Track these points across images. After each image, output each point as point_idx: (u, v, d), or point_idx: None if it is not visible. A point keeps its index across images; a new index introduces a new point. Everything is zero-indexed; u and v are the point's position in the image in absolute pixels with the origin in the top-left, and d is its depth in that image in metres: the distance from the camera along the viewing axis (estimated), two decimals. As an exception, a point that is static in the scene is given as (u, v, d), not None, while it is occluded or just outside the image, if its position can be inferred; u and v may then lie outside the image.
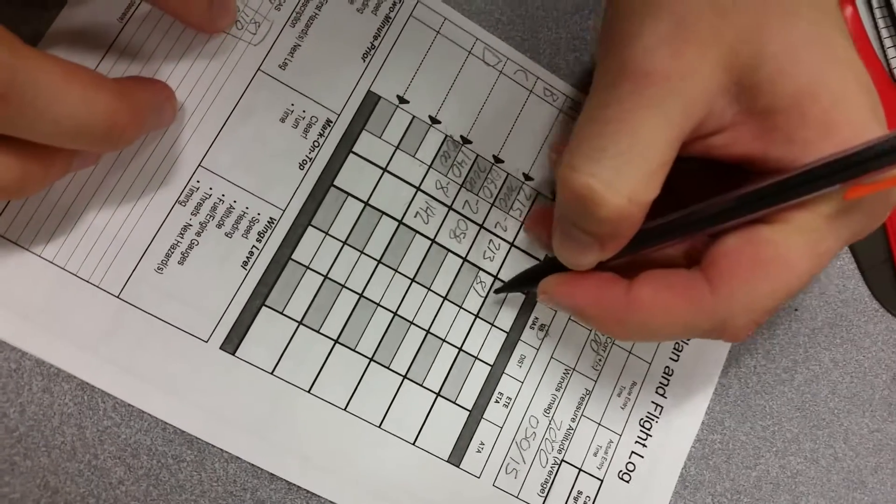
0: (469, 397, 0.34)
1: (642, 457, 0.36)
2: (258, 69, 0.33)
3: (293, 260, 0.32)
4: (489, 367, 0.34)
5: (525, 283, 0.33)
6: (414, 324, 0.33)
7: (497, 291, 0.34)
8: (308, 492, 0.32)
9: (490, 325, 0.34)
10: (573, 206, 0.25)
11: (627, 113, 0.24)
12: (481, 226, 0.35)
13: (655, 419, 0.36)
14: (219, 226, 0.32)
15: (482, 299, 0.34)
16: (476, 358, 0.34)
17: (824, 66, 0.24)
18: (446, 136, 0.35)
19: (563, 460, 0.35)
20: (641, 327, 0.27)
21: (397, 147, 0.34)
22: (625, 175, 0.24)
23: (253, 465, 0.31)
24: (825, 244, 0.25)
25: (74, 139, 0.24)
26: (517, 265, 0.35)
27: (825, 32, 0.24)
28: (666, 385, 0.36)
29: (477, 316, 0.34)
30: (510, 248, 0.35)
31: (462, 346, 0.34)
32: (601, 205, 0.24)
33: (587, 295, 0.28)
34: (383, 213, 0.34)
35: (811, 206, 0.24)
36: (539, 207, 0.35)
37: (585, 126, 0.25)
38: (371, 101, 0.34)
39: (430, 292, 0.34)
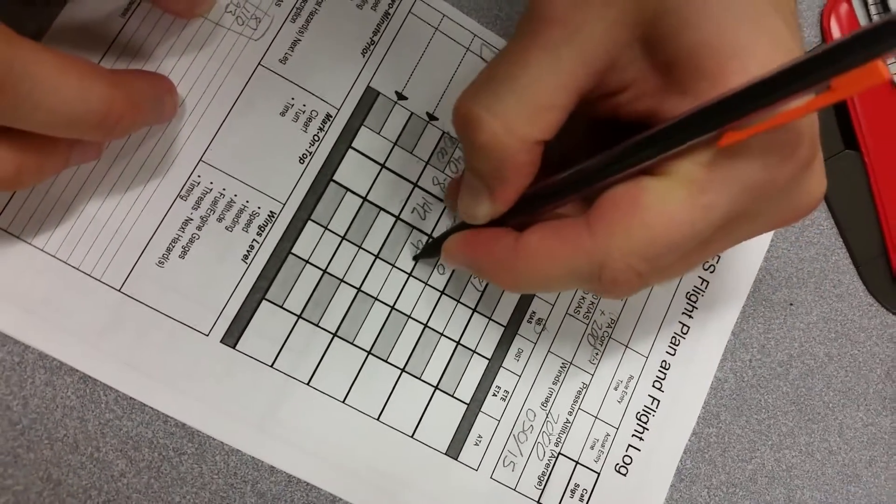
0: (467, 390, 0.34)
1: (639, 450, 0.36)
2: (259, 64, 0.33)
3: (293, 254, 0.33)
4: (487, 361, 0.34)
5: (438, 249, 0.33)
6: (412, 318, 0.34)
7: (415, 258, 0.34)
8: (308, 483, 0.32)
9: (488, 319, 0.35)
10: (459, 135, 0.26)
11: (522, 52, 0.24)
12: (479, 221, 0.35)
13: (652, 413, 0.36)
14: (219, 220, 0.32)
15: (480, 293, 0.35)
16: (474, 352, 0.34)
17: (736, 23, 0.23)
18: (444, 132, 0.35)
19: (560, 453, 0.35)
20: (528, 274, 0.27)
21: (395, 143, 0.34)
22: (505, 103, 0.24)
23: (253, 457, 0.32)
24: (708, 196, 0.24)
25: (70, 128, 0.24)
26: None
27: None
28: (663, 379, 0.37)
29: (475, 310, 0.35)
30: (508, 243, 0.35)
31: (460, 339, 0.34)
32: (479, 128, 0.24)
33: (480, 247, 0.28)
34: (381, 208, 0.34)
35: (690, 155, 0.24)
36: (456, 176, 0.35)
37: (486, 66, 0.26)
38: (370, 97, 0.34)
39: (427, 286, 0.34)
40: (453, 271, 0.34)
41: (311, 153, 0.33)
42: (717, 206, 0.24)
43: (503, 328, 0.35)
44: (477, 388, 0.34)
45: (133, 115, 0.26)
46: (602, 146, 0.27)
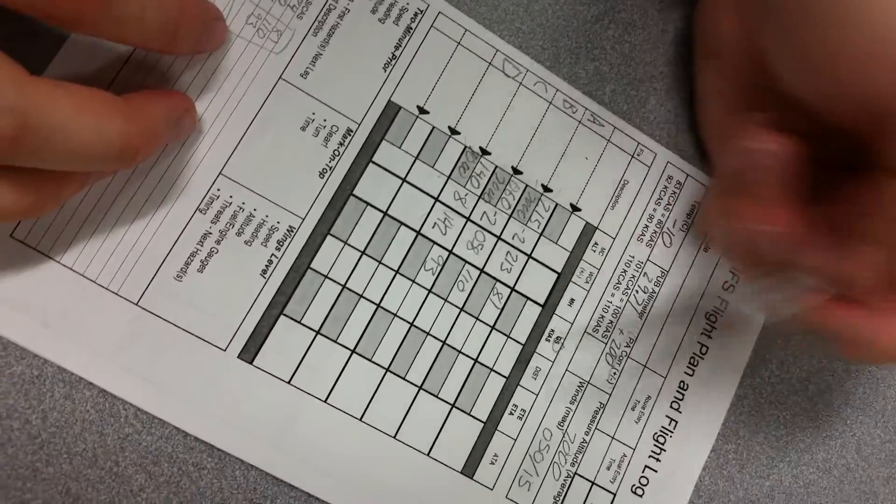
0: (484, 409, 0.34)
1: (656, 471, 0.36)
2: (279, 78, 0.33)
3: (312, 269, 0.33)
4: (504, 379, 0.34)
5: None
6: (430, 335, 0.34)
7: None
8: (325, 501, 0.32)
9: (506, 337, 0.34)
10: None
11: None
12: (499, 237, 0.35)
13: (670, 434, 0.36)
14: (238, 234, 0.32)
15: (498, 311, 0.34)
16: (491, 370, 0.34)
17: None
18: (465, 146, 0.35)
19: (576, 473, 0.35)
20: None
21: (416, 157, 0.34)
22: None
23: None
24: None
25: (87, 165, 0.24)
26: (535, 277, 0.35)
27: None
28: (681, 400, 0.36)
29: (493, 328, 0.34)
30: (528, 260, 0.35)
31: (478, 357, 0.34)
32: None
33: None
34: (402, 223, 0.34)
35: None
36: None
37: None
38: (391, 111, 0.34)
39: (446, 303, 0.34)
40: (473, 287, 0.34)
41: (331, 168, 0.33)
42: None
43: (521, 346, 0.35)
44: (494, 406, 0.34)
45: (150, 144, 0.26)
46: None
